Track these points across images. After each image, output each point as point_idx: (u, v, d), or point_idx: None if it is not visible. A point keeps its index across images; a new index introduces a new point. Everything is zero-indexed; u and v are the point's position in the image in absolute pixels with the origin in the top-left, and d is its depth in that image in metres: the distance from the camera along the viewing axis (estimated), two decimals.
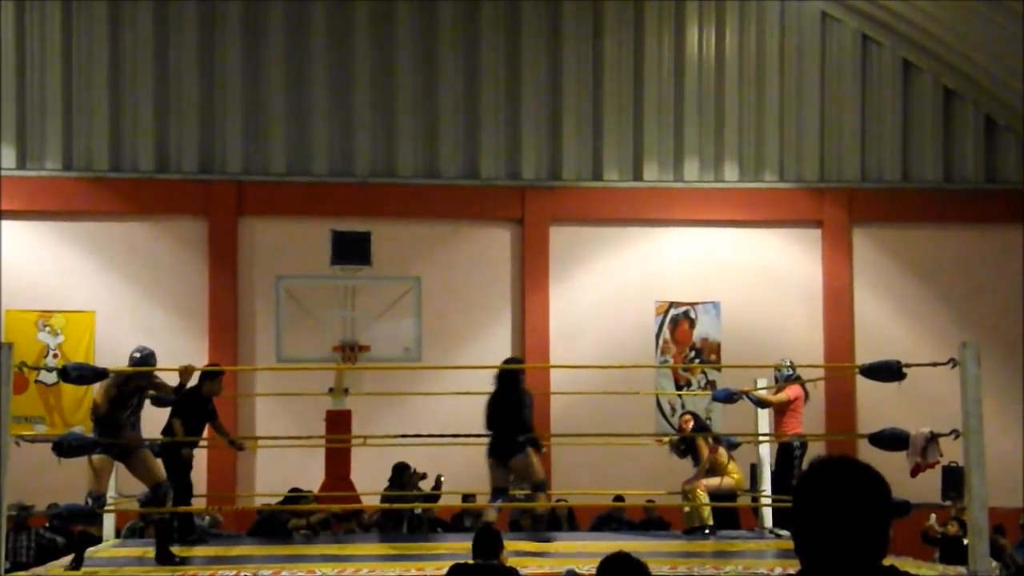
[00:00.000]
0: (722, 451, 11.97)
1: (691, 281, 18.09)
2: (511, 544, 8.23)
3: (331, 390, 14.48)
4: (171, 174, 17.65)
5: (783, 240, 18.39)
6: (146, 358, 9.44)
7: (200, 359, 14.66)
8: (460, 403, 14.49)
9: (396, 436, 11.86)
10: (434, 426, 13.29)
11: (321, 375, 14.22)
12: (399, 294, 15.81)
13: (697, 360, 17.97)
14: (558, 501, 14.55)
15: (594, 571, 5.11)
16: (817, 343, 17.93)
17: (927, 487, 12.64)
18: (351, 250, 15.51)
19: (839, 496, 2.53)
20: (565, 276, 18.01)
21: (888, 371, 9.57)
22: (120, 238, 17.55)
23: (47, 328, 17.06)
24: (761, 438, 12.04)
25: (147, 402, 9.86)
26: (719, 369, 17.38)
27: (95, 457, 9.06)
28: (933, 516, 13.86)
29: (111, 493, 10.38)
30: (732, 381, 13.55)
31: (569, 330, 17.71)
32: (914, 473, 9.30)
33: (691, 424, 12.44)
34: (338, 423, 14.12)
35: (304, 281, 16.10)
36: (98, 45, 17.52)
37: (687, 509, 11.89)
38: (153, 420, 10.57)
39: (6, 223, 17.09)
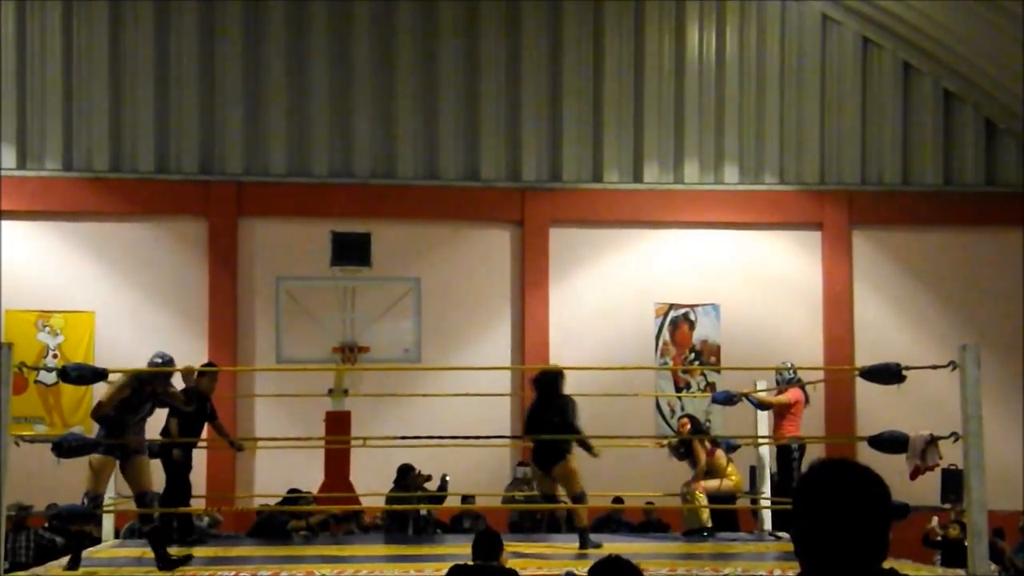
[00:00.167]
0: (720, 453, 11.97)
1: (691, 283, 18.09)
2: (510, 546, 8.23)
3: (331, 391, 14.47)
4: (171, 174, 17.65)
5: (783, 242, 18.39)
6: (166, 364, 9.39)
7: (200, 360, 14.62)
8: (460, 404, 14.57)
9: (396, 437, 11.86)
10: (434, 427, 13.29)
11: (321, 376, 14.22)
12: (399, 295, 15.81)
13: (697, 362, 17.97)
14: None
15: None
16: (817, 345, 17.93)
17: (927, 490, 12.64)
18: (351, 251, 15.53)
19: (839, 499, 2.53)
20: (565, 278, 18.01)
21: (888, 374, 9.57)
22: (120, 238, 17.55)
23: (47, 328, 17.06)
24: (760, 440, 12.04)
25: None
26: (719, 371, 17.38)
27: (95, 457, 9.01)
28: (935, 519, 13.86)
29: (110, 493, 10.38)
30: (732, 383, 13.54)
31: (569, 332, 17.71)
32: (913, 476, 9.29)
33: (688, 427, 12.46)
34: (338, 424, 14.12)
35: (304, 282, 16.10)
36: (98, 45, 17.52)
37: (686, 511, 11.88)
38: (152, 421, 10.54)
39: (6, 223, 17.08)
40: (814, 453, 11.71)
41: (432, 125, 18.02)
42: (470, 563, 7.19)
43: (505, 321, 17.92)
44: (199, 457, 12.74)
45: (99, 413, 9.18)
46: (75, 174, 17.45)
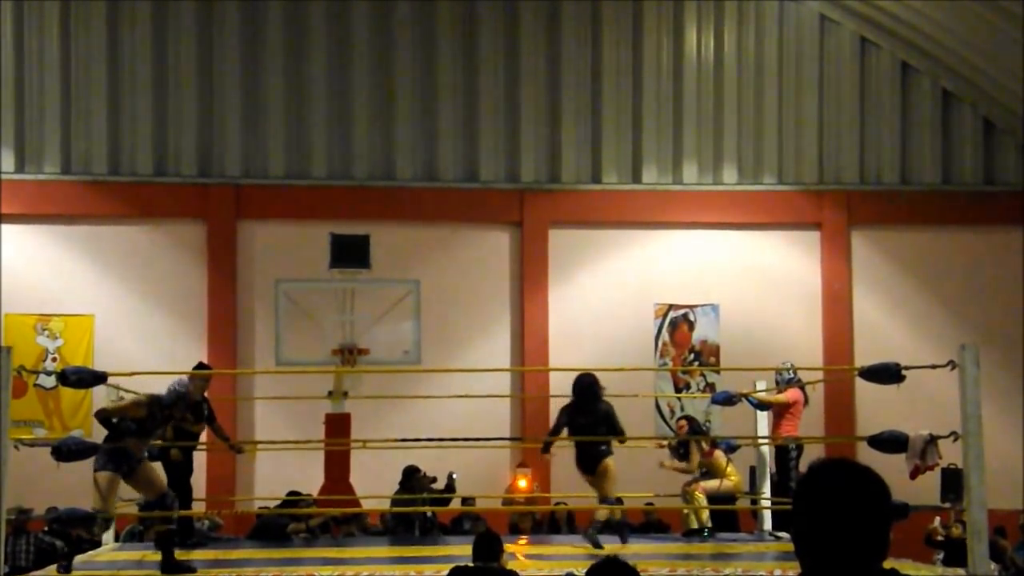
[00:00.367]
0: (719, 454, 11.98)
1: (690, 283, 18.09)
2: (510, 547, 8.23)
3: (330, 393, 14.44)
4: (170, 177, 17.66)
5: (782, 242, 18.39)
6: (184, 395, 9.32)
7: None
8: (460, 406, 14.57)
9: (396, 440, 11.86)
10: (434, 429, 13.29)
11: (320, 378, 14.21)
12: (398, 297, 15.79)
13: (696, 362, 17.97)
14: (557, 504, 14.57)
15: None
16: (816, 345, 17.93)
17: (926, 489, 12.64)
18: (350, 253, 15.49)
19: (839, 498, 2.53)
20: (564, 279, 18.01)
21: (887, 373, 9.56)
22: (119, 241, 17.55)
23: (46, 332, 17.05)
24: (760, 441, 12.04)
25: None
26: (718, 371, 17.39)
27: (100, 475, 8.90)
28: (937, 519, 13.86)
29: None
30: (731, 383, 13.55)
31: (568, 333, 17.71)
32: (913, 475, 9.28)
33: (686, 428, 12.49)
34: (337, 426, 14.09)
35: (303, 284, 16.08)
36: (97, 48, 17.52)
37: (686, 511, 11.89)
38: None
39: (5, 227, 17.08)
40: (814, 453, 11.72)
41: (431, 127, 18.03)
42: (470, 565, 7.19)
43: (505, 322, 17.92)
44: (199, 460, 12.73)
45: (104, 417, 9.14)
46: (74, 177, 17.45)
